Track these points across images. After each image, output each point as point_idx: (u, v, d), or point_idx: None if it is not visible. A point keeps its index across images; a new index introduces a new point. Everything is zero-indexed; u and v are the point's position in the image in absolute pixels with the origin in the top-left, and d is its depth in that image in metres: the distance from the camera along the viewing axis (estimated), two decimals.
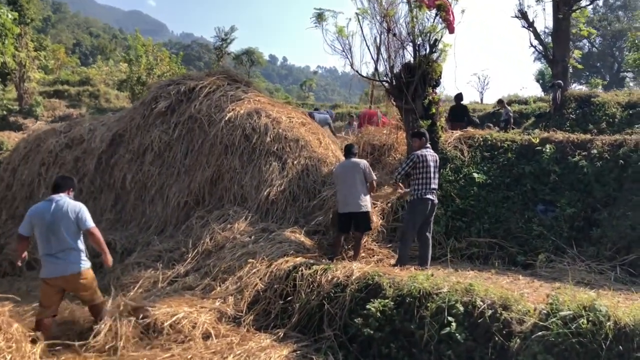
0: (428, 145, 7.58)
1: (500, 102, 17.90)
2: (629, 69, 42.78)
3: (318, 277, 6.63)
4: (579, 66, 17.96)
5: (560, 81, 16.65)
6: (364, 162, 7.85)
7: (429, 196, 7.29)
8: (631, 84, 45.12)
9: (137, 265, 8.25)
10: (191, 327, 5.98)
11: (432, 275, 5.90)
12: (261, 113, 9.49)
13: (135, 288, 7.52)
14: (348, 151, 8.06)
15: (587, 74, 45.03)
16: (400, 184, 7.91)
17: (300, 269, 6.86)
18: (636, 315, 4.42)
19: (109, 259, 5.91)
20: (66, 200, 5.76)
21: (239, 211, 8.55)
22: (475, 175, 9.05)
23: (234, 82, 10.60)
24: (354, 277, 6.27)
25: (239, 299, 6.75)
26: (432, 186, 7.34)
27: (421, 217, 7.30)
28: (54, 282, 5.65)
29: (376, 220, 8.31)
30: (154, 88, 11.05)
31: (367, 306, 5.64)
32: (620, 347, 4.20)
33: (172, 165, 9.80)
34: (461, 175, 9.19)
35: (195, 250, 8.03)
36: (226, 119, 9.35)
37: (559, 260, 7.59)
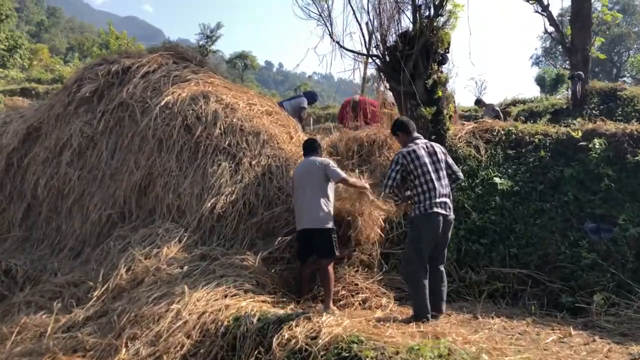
0: (417, 135, 5.26)
1: (478, 102, 15.46)
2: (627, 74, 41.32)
3: (269, 335, 4.30)
4: (602, 56, 15.66)
5: (580, 72, 14.42)
6: (324, 160, 5.61)
7: (436, 209, 4.87)
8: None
9: (27, 305, 5.87)
10: None
11: (447, 347, 3.51)
12: (210, 97, 7.11)
13: (9, 343, 5.17)
14: (308, 148, 5.84)
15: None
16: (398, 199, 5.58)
17: (244, 321, 4.52)
18: None
19: None
20: None
21: (171, 230, 6.18)
22: (497, 180, 6.69)
23: (183, 60, 8.25)
24: (320, 343, 3.92)
25: None
26: (440, 192, 4.93)
27: (429, 242, 4.91)
28: None
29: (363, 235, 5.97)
30: (80, 69, 8.69)
31: None
32: None
33: (96, 167, 7.42)
34: (477, 181, 6.83)
35: (105, 286, 5.66)
36: (162, 104, 6.98)
37: (625, 304, 5.28)
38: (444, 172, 5.05)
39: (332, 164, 5.52)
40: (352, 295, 5.71)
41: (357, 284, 5.79)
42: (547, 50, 47.42)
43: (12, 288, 6.73)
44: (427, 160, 4.99)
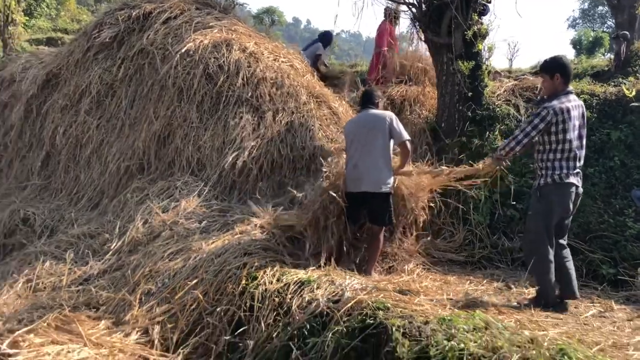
0: (570, 88, 4.36)
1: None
2: None
3: (288, 297, 4.04)
4: None
5: (626, 32, 13.54)
6: (390, 114, 4.95)
7: (572, 180, 4.23)
8: None
9: (41, 255, 5.73)
10: None
11: (483, 320, 3.19)
12: (233, 45, 6.71)
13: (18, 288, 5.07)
14: (366, 99, 5.16)
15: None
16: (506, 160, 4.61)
17: (263, 281, 4.27)
18: None
19: None
20: None
21: (190, 183, 5.94)
22: None
23: (206, 6, 7.82)
24: (343, 307, 3.64)
25: (168, 330, 4.20)
26: (580, 161, 4.29)
27: (558, 215, 4.29)
28: None
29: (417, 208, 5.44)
30: (101, 13, 8.35)
31: None
32: None
33: (115, 116, 7.18)
34: None
35: (122, 239, 5.47)
36: (183, 51, 6.62)
37: None
38: (584, 142, 4.34)
39: (398, 122, 4.90)
40: (380, 262, 5.38)
41: (386, 251, 5.44)
42: (585, 12, 45.37)
43: (30, 237, 6.64)
44: (577, 122, 4.24)
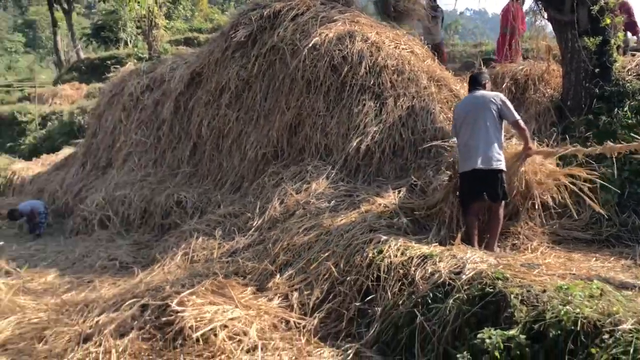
0: None
1: None
2: None
3: (412, 269, 4.40)
4: None
5: None
6: (497, 95, 5.12)
7: None
8: None
9: (195, 232, 6.61)
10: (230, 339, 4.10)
11: (600, 288, 3.32)
12: (355, 36, 7.13)
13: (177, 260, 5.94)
14: (473, 82, 5.33)
15: None
16: None
17: (387, 254, 4.66)
18: None
19: None
20: None
21: (319, 167, 6.48)
22: None
23: (330, 1, 8.30)
24: (464, 278, 3.93)
25: (305, 296, 4.75)
26: None
27: None
28: None
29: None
30: (235, 14, 9.17)
31: (479, 335, 3.31)
32: None
33: (251, 108, 7.94)
34: None
35: (261, 218, 6.16)
36: (310, 45, 7.16)
37: None
38: None
39: (507, 101, 5.04)
40: (502, 239, 5.51)
41: (508, 229, 5.55)
42: None
43: (183, 217, 7.62)
44: None
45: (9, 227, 9.34)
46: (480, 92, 5.18)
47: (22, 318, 4.63)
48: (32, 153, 18.30)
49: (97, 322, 4.35)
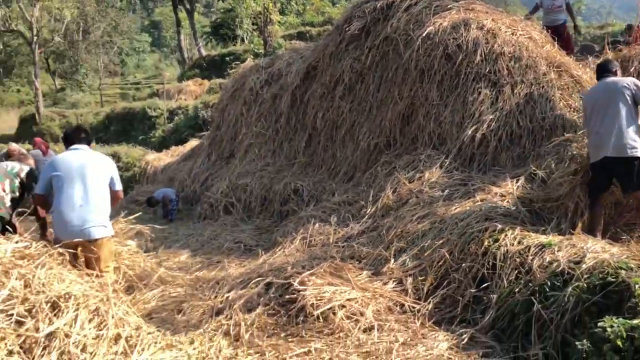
0: None
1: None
2: None
3: (529, 258, 4.36)
4: None
5: None
6: (632, 80, 4.87)
7: None
8: None
9: (311, 218, 6.94)
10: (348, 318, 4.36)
11: None
12: (470, 24, 7.04)
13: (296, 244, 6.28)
14: (602, 69, 5.12)
15: None
16: None
17: (504, 242, 4.66)
18: None
19: None
20: None
21: (433, 156, 6.52)
22: None
23: None
24: (584, 267, 3.85)
25: (419, 281, 4.88)
26: None
27: None
28: None
29: None
30: (349, 8, 9.38)
31: (600, 324, 3.25)
32: None
33: (364, 99, 8.13)
34: None
35: (375, 206, 6.35)
36: (424, 35, 7.19)
37: None
38: None
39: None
40: (628, 232, 5.23)
41: (634, 223, 5.27)
42: None
43: (299, 204, 8.01)
44: None
45: (145, 213, 10.30)
46: (612, 79, 4.98)
47: (164, 291, 5.22)
48: (161, 145, 19.97)
49: (227, 297, 4.80)
